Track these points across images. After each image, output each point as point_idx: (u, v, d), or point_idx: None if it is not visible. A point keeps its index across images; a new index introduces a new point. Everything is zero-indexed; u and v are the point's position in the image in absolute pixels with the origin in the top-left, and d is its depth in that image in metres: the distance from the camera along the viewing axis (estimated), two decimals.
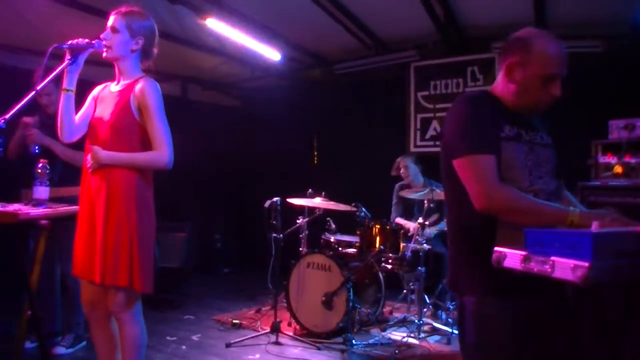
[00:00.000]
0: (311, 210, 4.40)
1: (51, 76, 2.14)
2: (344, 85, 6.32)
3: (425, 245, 4.05)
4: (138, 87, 2.24)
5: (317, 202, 4.20)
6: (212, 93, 7.10)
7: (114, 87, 2.36)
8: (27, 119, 3.15)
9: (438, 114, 5.55)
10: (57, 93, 3.06)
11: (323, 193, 4.30)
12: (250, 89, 7.13)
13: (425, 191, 4.15)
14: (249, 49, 5.26)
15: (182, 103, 6.68)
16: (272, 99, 6.78)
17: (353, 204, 4.29)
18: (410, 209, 4.75)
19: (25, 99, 2.02)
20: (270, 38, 5.21)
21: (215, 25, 4.54)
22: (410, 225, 4.44)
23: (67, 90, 2.25)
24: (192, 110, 6.61)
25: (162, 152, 2.19)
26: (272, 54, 5.42)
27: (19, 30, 4.44)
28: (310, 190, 4.31)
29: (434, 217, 4.55)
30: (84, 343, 3.44)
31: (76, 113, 2.33)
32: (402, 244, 4.12)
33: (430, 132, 5.62)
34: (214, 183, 7.01)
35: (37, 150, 3.15)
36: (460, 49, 5.37)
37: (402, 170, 4.69)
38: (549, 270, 1.21)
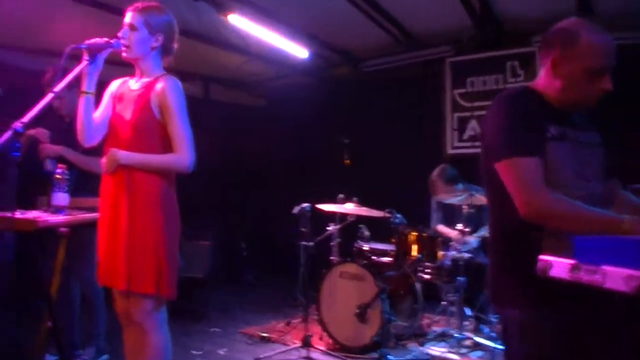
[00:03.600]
0: (342, 216, 4.39)
1: (68, 77, 2.12)
2: (375, 83, 6.30)
3: (465, 253, 3.99)
4: (159, 86, 2.28)
5: (349, 208, 4.18)
6: (235, 93, 7.18)
7: (134, 84, 2.40)
8: (38, 132, 3.20)
9: (476, 113, 5.46)
10: (70, 96, 3.10)
11: (355, 198, 4.28)
12: (275, 88, 7.17)
13: (465, 196, 4.08)
14: (274, 47, 5.27)
15: (204, 103, 6.76)
16: (298, 98, 6.80)
17: (387, 210, 4.25)
18: (450, 215, 4.68)
19: (43, 102, 1.98)
20: (296, 35, 5.23)
21: (238, 21, 4.55)
22: (452, 234, 4.36)
23: (86, 93, 2.27)
24: (214, 111, 6.69)
25: (182, 155, 2.22)
26: (298, 51, 5.43)
27: (26, 29, 4.50)
28: (341, 195, 4.30)
29: (475, 224, 4.47)
30: (106, 356, 3.46)
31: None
32: (440, 252, 4.06)
33: (469, 132, 5.54)
34: (239, 187, 7.05)
35: (51, 166, 3.11)
36: (499, 43, 5.27)
37: (433, 189, 4.64)
38: (600, 280, 1.17)
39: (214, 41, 5.32)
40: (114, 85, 2.47)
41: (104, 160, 2.29)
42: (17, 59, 4.99)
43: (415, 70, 5.87)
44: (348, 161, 5.00)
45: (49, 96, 2.00)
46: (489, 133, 1.66)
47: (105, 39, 2.24)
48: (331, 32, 5.42)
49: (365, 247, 4.41)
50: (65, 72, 2.14)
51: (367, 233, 4.49)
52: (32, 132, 3.15)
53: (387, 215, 4.23)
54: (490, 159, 1.63)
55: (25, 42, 4.81)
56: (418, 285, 4.10)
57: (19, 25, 4.42)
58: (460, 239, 4.09)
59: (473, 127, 5.50)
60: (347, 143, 4.93)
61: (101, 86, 2.40)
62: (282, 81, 6.89)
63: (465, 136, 5.57)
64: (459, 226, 4.10)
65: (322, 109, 6.60)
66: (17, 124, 1.81)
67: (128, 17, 2.32)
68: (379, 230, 4.58)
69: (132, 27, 2.30)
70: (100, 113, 2.38)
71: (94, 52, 2.23)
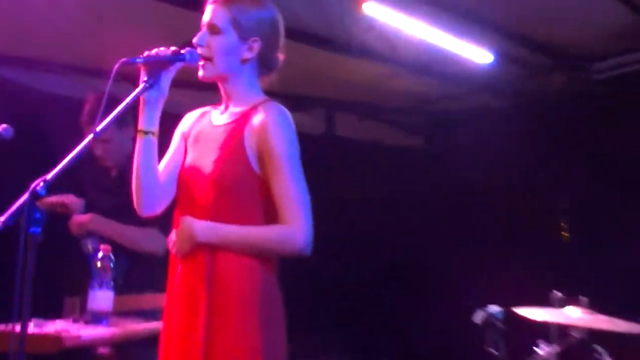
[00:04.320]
0: (562, 330, 4.15)
1: (118, 110, 2.13)
2: (614, 99, 6.03)
3: None
4: (258, 119, 2.29)
5: (573, 315, 3.94)
6: (375, 126, 7.24)
7: (218, 117, 2.45)
8: (67, 200, 3.32)
9: None
10: (120, 138, 3.27)
11: (583, 298, 4.03)
12: (439, 116, 7.14)
13: None
14: (436, 49, 5.25)
15: (326, 144, 6.83)
16: (479, 131, 6.70)
17: None
18: None
19: (79, 149, 2.01)
20: (471, 28, 5.15)
21: (378, 12, 4.55)
22: None
23: (146, 133, 2.33)
24: (342, 155, 6.77)
25: (295, 227, 2.20)
26: (476, 54, 5.37)
27: (57, 39, 4.70)
28: (557, 292, 4.09)
29: None
30: None
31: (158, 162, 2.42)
32: None
33: None
34: (382, 275, 6.98)
35: (92, 248, 3.15)
36: None
37: None
38: None
39: (340, 46, 5.33)
40: (188, 121, 2.54)
41: (172, 236, 2.32)
42: (44, 82, 5.25)
43: None
44: (567, 234, 4.77)
45: (88, 139, 2.03)
46: None
47: (173, 49, 2.29)
48: (531, 19, 5.26)
49: None
50: (112, 102, 2.15)
51: None
52: (55, 199, 3.26)
53: None
54: None
55: (56, 56, 5.11)
56: None
57: (47, 34, 4.66)
58: None
59: None
60: (567, 202, 4.72)
61: (168, 121, 2.47)
62: (452, 105, 6.83)
63: None
64: None
65: (520, 147, 6.44)
66: (39, 184, 1.81)
67: (207, 14, 2.37)
68: (633, 355, 4.32)
69: (213, 28, 2.34)
70: (167, 163, 2.45)
71: (156, 69, 2.27)
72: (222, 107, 2.45)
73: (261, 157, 2.26)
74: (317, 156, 2.61)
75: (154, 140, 2.35)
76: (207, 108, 2.53)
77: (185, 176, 2.39)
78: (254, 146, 2.27)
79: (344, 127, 7.08)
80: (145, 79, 2.26)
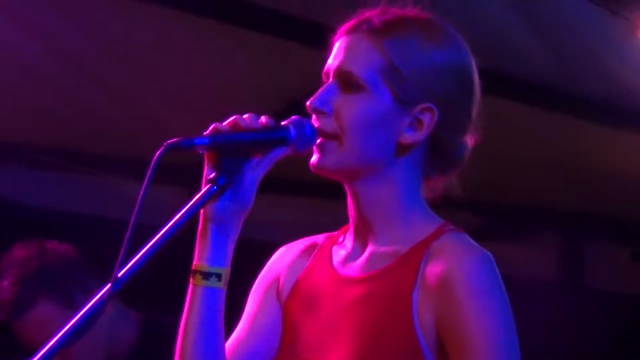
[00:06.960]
0: None
1: (143, 254, 1.33)
2: None
3: None
4: (437, 270, 1.52)
5: None
6: None
7: (345, 259, 1.65)
8: None
9: None
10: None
11: None
12: None
13: None
14: None
15: (566, 298, 5.52)
16: None
17: None
18: None
19: None
20: None
21: None
22: None
23: (206, 276, 1.56)
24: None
25: None
26: None
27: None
28: None
29: None
30: None
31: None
32: None
33: None
34: None
35: None
36: None
37: None
38: None
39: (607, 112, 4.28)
40: (285, 263, 1.78)
41: None
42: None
43: None
44: None
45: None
46: None
47: (266, 119, 1.54)
48: None
49: None
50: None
51: None
52: None
53: None
54: None
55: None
56: None
57: None
58: None
59: None
60: None
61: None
62: None
63: None
64: None
65: None
66: None
67: (338, 53, 1.64)
68: None
69: (348, 79, 1.60)
70: (241, 346, 1.68)
71: (232, 158, 1.56)
72: (349, 237, 1.65)
73: (440, 339, 1.49)
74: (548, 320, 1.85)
75: (221, 292, 1.55)
76: (316, 238, 1.75)
77: None
78: (432, 327, 1.49)
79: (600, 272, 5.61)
80: (213, 176, 1.54)
